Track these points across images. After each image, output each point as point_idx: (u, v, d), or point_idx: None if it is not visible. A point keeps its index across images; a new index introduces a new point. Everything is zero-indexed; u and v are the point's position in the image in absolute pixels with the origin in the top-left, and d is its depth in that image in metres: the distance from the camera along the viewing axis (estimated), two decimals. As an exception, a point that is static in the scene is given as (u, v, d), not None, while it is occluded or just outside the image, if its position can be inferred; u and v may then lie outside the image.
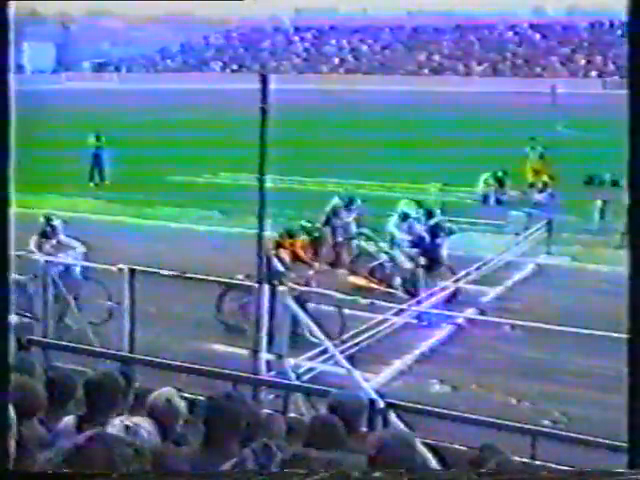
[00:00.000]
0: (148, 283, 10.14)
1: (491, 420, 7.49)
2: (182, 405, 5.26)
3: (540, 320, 10.96)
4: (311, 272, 13.79)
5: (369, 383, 9.69)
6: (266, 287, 9.03)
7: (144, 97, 59.20)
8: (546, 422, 9.69)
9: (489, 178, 24.29)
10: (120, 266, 9.65)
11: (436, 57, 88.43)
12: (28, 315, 11.72)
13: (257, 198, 9.05)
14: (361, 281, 15.13)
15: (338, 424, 5.24)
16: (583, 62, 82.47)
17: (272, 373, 9.58)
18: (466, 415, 7.80)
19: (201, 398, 4.99)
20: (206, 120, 43.62)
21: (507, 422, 7.56)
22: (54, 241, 13.54)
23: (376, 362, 11.91)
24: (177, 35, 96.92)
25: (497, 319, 12.87)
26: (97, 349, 9.02)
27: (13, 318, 11.66)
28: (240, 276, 11.50)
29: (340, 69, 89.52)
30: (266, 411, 6.46)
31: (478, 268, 16.02)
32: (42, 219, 13.83)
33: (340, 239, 17.10)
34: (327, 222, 17.41)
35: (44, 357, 8.73)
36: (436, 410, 7.73)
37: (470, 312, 14.23)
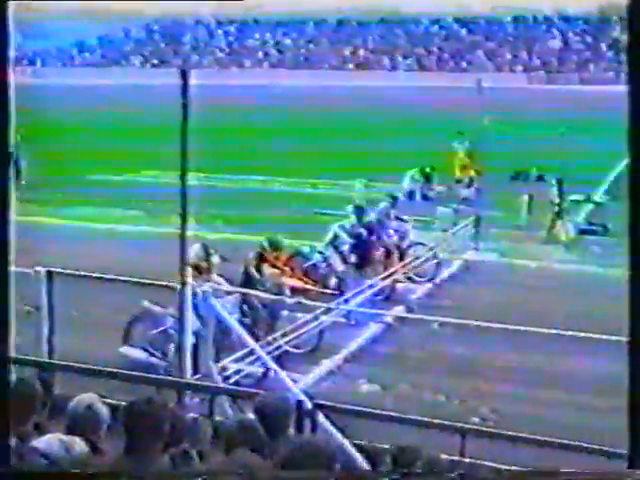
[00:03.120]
0: (67, 286, 9.82)
1: (420, 419, 7.42)
2: (104, 411, 5.15)
3: (469, 317, 10.94)
4: (283, 278, 13.34)
5: (297, 384, 9.54)
6: (189, 288, 8.78)
7: (61, 92, 57.86)
8: (475, 419, 9.65)
9: (416, 174, 24.27)
10: (37, 268, 9.31)
11: (361, 51, 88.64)
12: (156, 354, 11.01)
13: (179, 197, 8.77)
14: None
15: (261, 427, 5.17)
16: (509, 57, 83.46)
17: (197, 376, 9.38)
18: (395, 414, 7.72)
19: (123, 404, 4.82)
20: (126, 117, 42.85)
21: (436, 420, 7.49)
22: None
23: (304, 362, 11.76)
24: (95, 28, 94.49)
25: (426, 316, 12.84)
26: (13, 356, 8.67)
27: (140, 354, 10.89)
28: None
29: (264, 63, 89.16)
30: (191, 415, 6.27)
31: (405, 265, 15.98)
32: (199, 249, 11.49)
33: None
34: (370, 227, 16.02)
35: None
36: (365, 410, 7.63)
37: (399, 310, 14.19)
